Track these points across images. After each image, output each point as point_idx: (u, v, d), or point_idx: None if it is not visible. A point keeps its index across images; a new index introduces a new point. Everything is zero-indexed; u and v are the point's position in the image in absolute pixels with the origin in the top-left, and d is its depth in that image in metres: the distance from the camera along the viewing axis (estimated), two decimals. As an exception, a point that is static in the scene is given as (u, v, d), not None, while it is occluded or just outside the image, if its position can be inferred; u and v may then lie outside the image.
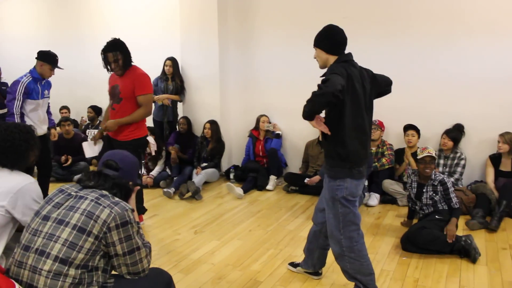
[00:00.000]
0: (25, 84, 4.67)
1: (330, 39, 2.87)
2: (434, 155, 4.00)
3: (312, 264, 3.35)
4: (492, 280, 3.33)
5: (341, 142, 2.78)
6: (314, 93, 2.58)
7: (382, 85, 3.06)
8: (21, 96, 4.64)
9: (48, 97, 4.99)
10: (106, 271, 2.02)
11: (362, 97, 2.82)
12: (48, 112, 5.14)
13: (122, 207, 2.00)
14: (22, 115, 4.72)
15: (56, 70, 4.83)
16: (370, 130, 2.96)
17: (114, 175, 2.15)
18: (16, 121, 4.65)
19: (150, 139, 5.85)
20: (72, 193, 2.05)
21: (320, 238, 3.22)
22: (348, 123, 2.76)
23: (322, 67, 2.95)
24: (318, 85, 2.62)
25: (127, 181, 2.19)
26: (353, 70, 2.78)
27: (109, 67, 4.12)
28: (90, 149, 4.48)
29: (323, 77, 2.68)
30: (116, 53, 4.04)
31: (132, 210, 2.06)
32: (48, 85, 4.98)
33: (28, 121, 4.76)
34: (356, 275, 2.92)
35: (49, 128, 5.14)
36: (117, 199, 2.05)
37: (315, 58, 2.97)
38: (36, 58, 4.77)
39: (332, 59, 2.87)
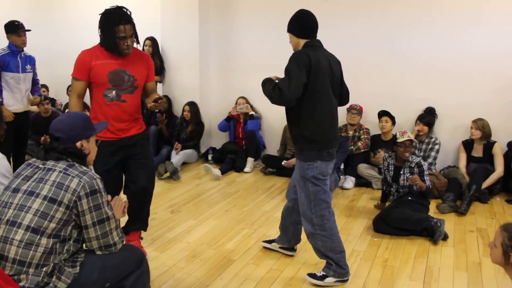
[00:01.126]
0: None
1: (300, 23, 2.95)
2: (413, 139, 4.12)
3: (288, 239, 3.44)
4: (458, 261, 3.45)
5: (306, 125, 2.87)
6: (273, 89, 2.76)
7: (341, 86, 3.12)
8: None
9: (31, 72, 4.91)
10: (78, 241, 2.05)
11: (328, 80, 2.89)
12: (37, 87, 5.10)
13: (90, 176, 2.03)
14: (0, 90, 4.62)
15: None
16: (336, 112, 3.02)
17: (57, 146, 2.09)
18: None
19: None
20: (40, 165, 2.06)
21: (293, 214, 3.30)
22: (313, 106, 2.84)
23: (295, 51, 3.00)
24: (279, 84, 2.76)
25: (73, 145, 2.13)
26: (318, 55, 2.84)
27: (120, 45, 3.00)
28: None
29: (290, 58, 2.82)
30: (134, 25, 3.04)
31: (101, 180, 2.08)
32: (31, 60, 4.92)
33: (8, 96, 4.68)
34: (328, 253, 3.01)
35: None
36: (85, 168, 2.07)
37: (290, 43, 3.03)
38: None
39: (302, 42, 2.95)
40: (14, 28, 4.68)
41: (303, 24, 2.93)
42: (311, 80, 2.79)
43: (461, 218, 4.36)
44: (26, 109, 4.94)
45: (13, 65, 4.69)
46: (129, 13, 3.01)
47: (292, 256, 3.48)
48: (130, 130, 3.23)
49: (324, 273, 3.05)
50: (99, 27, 3.00)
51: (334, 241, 2.99)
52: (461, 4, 5.14)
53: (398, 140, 4.13)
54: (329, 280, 3.03)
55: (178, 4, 6.35)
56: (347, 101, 3.22)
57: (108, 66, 3.06)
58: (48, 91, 7.73)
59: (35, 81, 5.08)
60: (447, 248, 3.67)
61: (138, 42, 3.14)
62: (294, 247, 3.51)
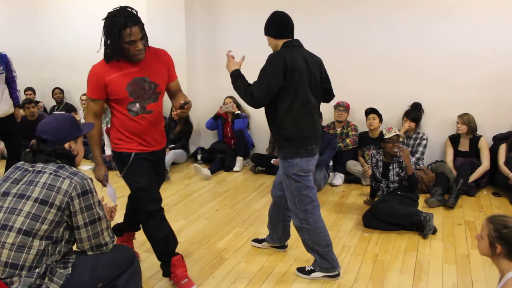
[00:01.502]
0: None
1: (275, 25, 2.98)
2: (400, 134, 4.18)
3: (278, 238, 3.47)
4: (446, 253, 3.50)
5: (283, 123, 2.91)
6: (245, 91, 2.85)
7: (325, 84, 3.16)
8: None
9: (3, 73, 4.61)
10: (69, 242, 2.06)
11: (305, 80, 2.89)
12: (12, 87, 4.78)
13: (81, 176, 2.03)
14: None
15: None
16: (316, 110, 3.03)
17: (44, 148, 2.08)
18: None
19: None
20: (29, 168, 2.05)
21: (280, 212, 3.34)
22: (289, 106, 2.87)
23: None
24: (252, 87, 2.84)
25: (61, 147, 2.13)
26: (295, 55, 2.86)
27: (132, 51, 2.63)
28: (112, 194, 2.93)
29: (267, 60, 2.87)
30: (143, 26, 2.65)
31: (91, 180, 2.08)
32: (2, 60, 4.62)
33: None
34: (314, 246, 3.06)
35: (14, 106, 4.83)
36: (75, 169, 2.07)
37: (269, 45, 3.07)
38: None
39: (280, 43, 2.98)
40: None
41: (279, 25, 2.97)
42: (287, 81, 2.83)
43: (449, 211, 4.41)
44: (8, 113, 4.70)
45: None
46: (135, 12, 2.62)
47: (283, 252, 3.50)
48: (161, 142, 2.98)
49: (312, 268, 3.12)
50: (103, 34, 2.62)
51: (319, 234, 3.03)
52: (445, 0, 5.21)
53: (385, 136, 4.17)
54: (316, 275, 3.09)
55: (164, 4, 6.33)
56: (331, 97, 3.26)
57: (125, 78, 2.69)
58: (34, 94, 7.66)
59: (11, 79, 4.77)
60: (436, 242, 3.72)
61: (147, 44, 2.72)
62: (285, 244, 3.54)
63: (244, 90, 2.86)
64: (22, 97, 5.01)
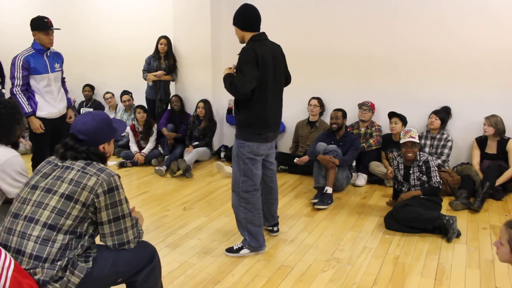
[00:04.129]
0: (22, 58, 4.18)
1: (244, 18, 3.27)
2: (416, 139, 4.06)
3: (266, 219, 3.73)
4: (470, 258, 3.43)
5: (251, 111, 3.23)
6: (230, 85, 3.18)
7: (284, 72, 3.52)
8: (20, 73, 4.16)
9: (60, 70, 4.53)
10: (93, 237, 2.10)
11: (271, 72, 3.23)
12: (64, 89, 4.67)
13: (108, 173, 2.06)
14: (28, 94, 4.27)
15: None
16: (279, 99, 3.43)
17: (79, 148, 2.11)
18: (21, 102, 4.15)
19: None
20: (59, 163, 2.10)
21: (263, 196, 3.59)
22: (258, 97, 3.20)
23: (241, 42, 3.37)
24: (234, 81, 3.15)
25: (96, 148, 2.15)
26: (264, 50, 3.19)
27: None
28: None
29: (240, 54, 3.20)
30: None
31: (119, 176, 2.11)
32: (58, 58, 4.52)
33: (41, 101, 4.31)
34: (248, 225, 3.41)
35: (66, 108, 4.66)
36: (102, 165, 2.10)
37: (236, 35, 3.36)
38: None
39: (247, 35, 3.28)
40: (40, 25, 4.22)
41: (247, 18, 3.25)
42: (260, 74, 3.15)
43: (474, 215, 4.32)
44: (62, 113, 4.55)
45: (41, 66, 4.27)
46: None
47: (304, 252, 3.50)
48: None
49: (241, 245, 3.46)
50: None
51: (255, 214, 3.38)
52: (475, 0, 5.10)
53: (400, 141, 4.12)
54: (244, 251, 3.43)
55: (190, 3, 6.39)
56: (288, 83, 3.63)
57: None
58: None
59: (63, 80, 4.69)
60: (459, 245, 3.65)
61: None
62: (274, 228, 3.81)
63: (229, 85, 3.18)
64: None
